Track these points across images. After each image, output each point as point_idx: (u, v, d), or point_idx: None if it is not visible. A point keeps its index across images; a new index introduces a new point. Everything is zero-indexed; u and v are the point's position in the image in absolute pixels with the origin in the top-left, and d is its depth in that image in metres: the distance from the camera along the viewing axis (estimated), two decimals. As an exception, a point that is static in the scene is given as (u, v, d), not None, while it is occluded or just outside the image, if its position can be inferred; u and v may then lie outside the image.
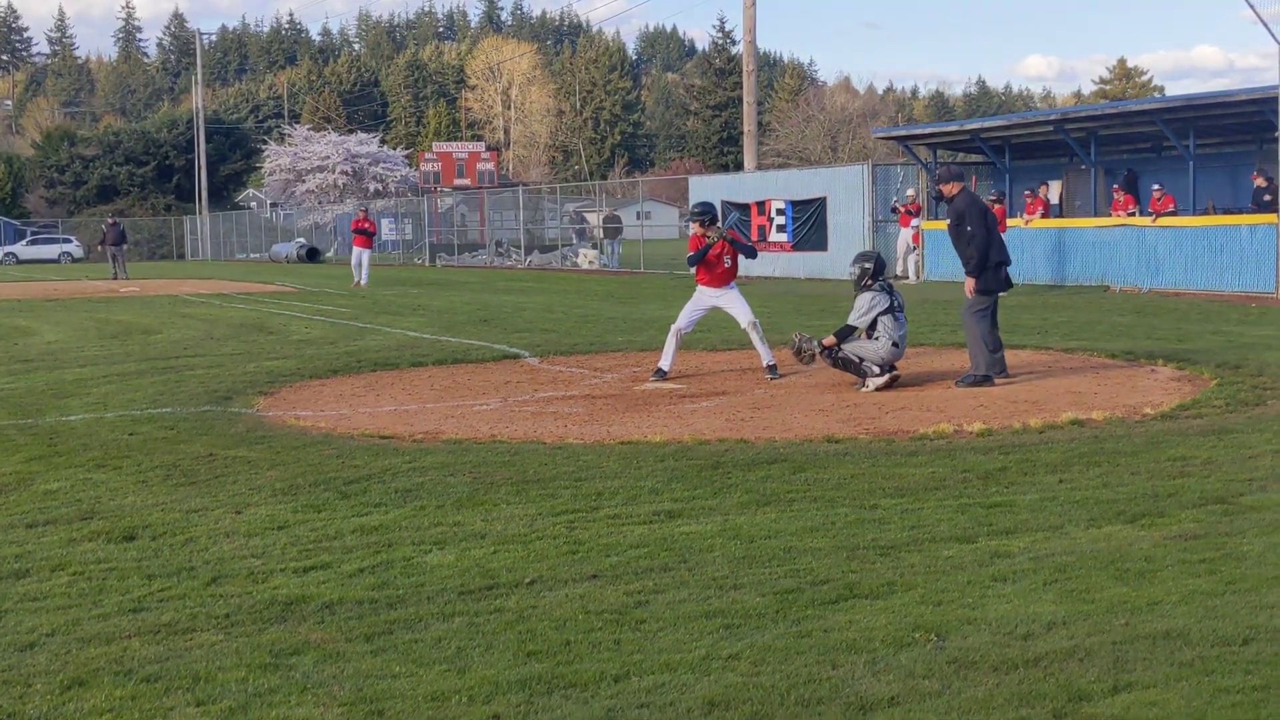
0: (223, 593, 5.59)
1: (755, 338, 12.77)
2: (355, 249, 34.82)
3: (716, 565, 5.82)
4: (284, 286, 35.63)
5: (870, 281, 11.99)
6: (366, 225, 34.46)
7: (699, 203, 13.31)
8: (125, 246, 45.64)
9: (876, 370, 11.66)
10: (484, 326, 19.59)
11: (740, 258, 13.10)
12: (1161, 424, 9.39)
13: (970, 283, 11.91)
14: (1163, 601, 5.16)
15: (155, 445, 9.25)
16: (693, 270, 13.08)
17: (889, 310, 11.81)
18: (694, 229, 12.92)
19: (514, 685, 4.40)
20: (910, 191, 30.99)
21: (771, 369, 12.68)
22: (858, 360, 11.72)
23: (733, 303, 12.87)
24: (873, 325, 11.85)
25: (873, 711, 4.11)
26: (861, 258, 12.30)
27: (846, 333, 12.01)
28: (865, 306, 11.91)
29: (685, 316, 13.01)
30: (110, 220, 46.00)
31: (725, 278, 12.90)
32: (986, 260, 11.87)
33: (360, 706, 4.26)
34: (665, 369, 12.77)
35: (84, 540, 6.57)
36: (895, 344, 11.70)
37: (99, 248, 46.83)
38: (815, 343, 12.25)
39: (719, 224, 12.99)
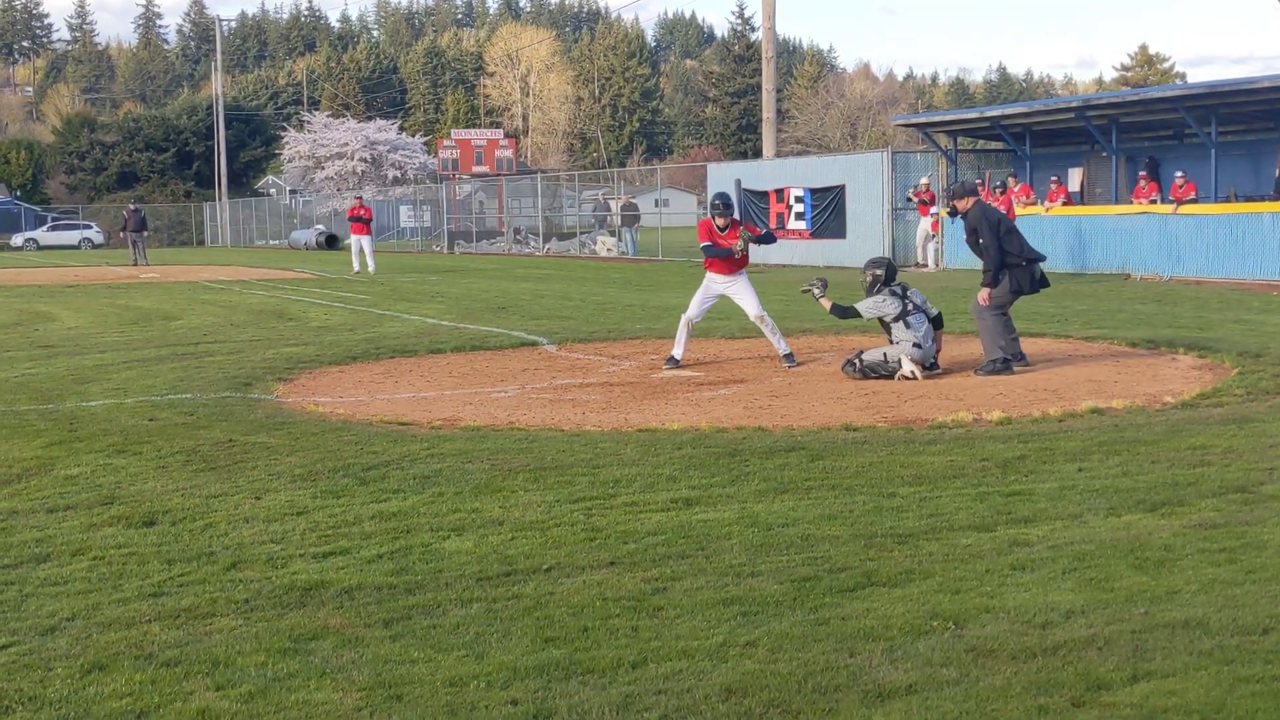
0: (242, 578, 5.61)
1: (766, 330, 12.74)
2: (354, 237, 34.95)
3: (734, 553, 5.81)
4: (303, 273, 35.72)
5: (881, 288, 11.99)
6: (362, 212, 34.62)
7: (718, 194, 13.24)
8: (146, 233, 45.88)
9: (903, 363, 11.63)
10: (502, 313, 19.60)
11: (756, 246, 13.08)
12: (1182, 412, 9.35)
13: (985, 295, 11.95)
14: (1182, 590, 5.14)
15: (175, 431, 9.29)
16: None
17: (900, 316, 11.76)
18: (717, 221, 12.80)
19: (532, 671, 4.41)
20: (923, 180, 30.84)
21: (789, 357, 12.66)
22: (884, 359, 11.67)
23: (741, 293, 12.81)
24: (889, 330, 11.86)
25: (890, 699, 4.11)
26: (872, 264, 12.33)
27: (846, 311, 12.22)
28: (871, 304, 12.00)
29: (695, 306, 12.98)
30: (132, 207, 46.17)
31: (736, 266, 12.85)
32: (1002, 266, 11.93)
33: (379, 691, 4.27)
34: (678, 357, 12.76)
35: (104, 525, 6.60)
36: (917, 344, 11.65)
37: (120, 234, 47.03)
38: (818, 286, 12.41)
39: (733, 210, 12.93)
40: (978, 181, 29.83)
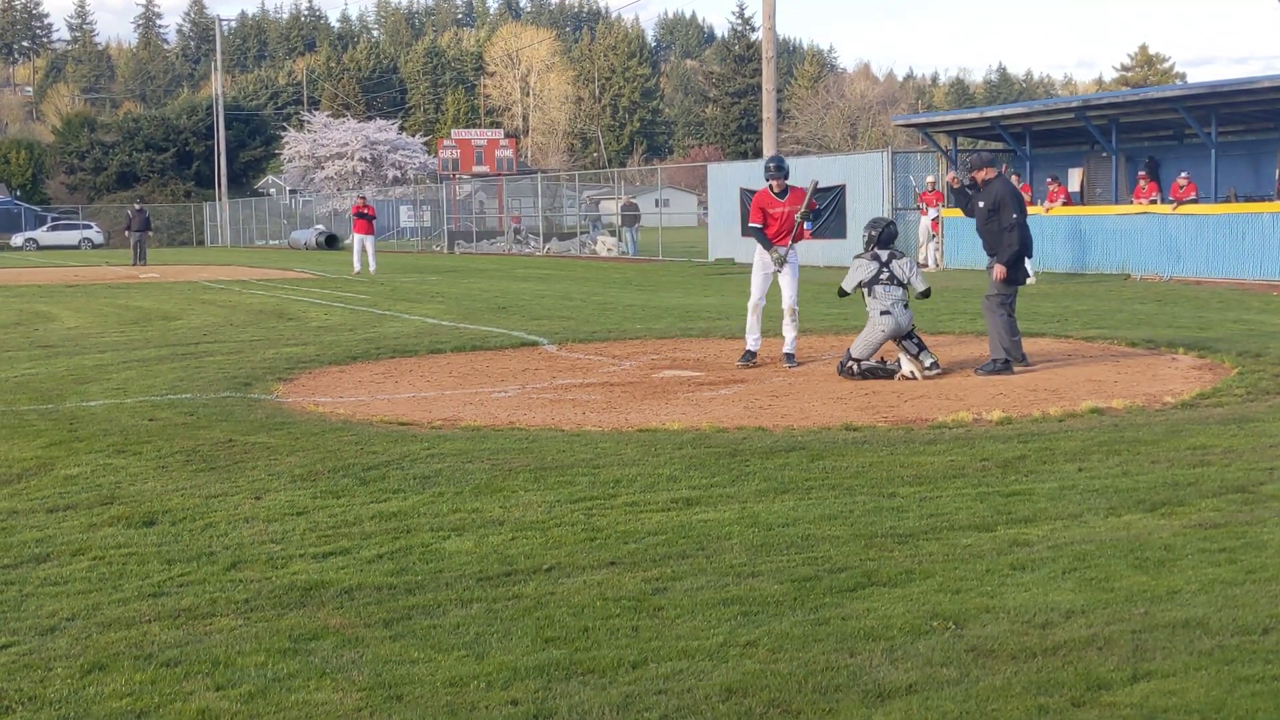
0: (242, 578, 5.61)
1: (788, 321, 12.70)
2: (357, 236, 34.81)
3: (734, 553, 5.81)
4: (303, 273, 35.72)
5: (875, 248, 11.98)
6: (366, 210, 34.48)
7: (771, 157, 13.05)
8: (149, 233, 46.18)
9: (902, 363, 11.62)
10: (502, 313, 19.60)
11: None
12: (1182, 412, 9.35)
13: (1001, 270, 11.82)
14: (1182, 590, 5.14)
15: (175, 431, 9.29)
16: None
17: (874, 280, 11.77)
18: (774, 187, 12.71)
19: (532, 671, 4.41)
20: (929, 179, 30.89)
21: (789, 357, 12.65)
22: (881, 364, 11.66)
23: (786, 274, 12.74)
24: (865, 301, 11.85)
25: (890, 699, 4.11)
26: (870, 224, 12.36)
27: (841, 293, 12.36)
28: (850, 272, 12.06)
29: (757, 289, 12.84)
30: (136, 207, 46.52)
31: (791, 235, 12.75)
32: (1024, 249, 11.82)
33: (379, 691, 4.27)
34: (753, 350, 12.70)
35: (104, 525, 6.60)
36: (885, 311, 11.62)
37: (124, 233, 47.31)
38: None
39: (787, 173, 12.84)
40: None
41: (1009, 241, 11.81)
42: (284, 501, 7.03)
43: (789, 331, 12.70)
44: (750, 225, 12.87)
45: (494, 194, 61.02)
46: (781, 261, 12.67)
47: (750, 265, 13.31)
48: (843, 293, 12.30)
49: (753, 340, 12.82)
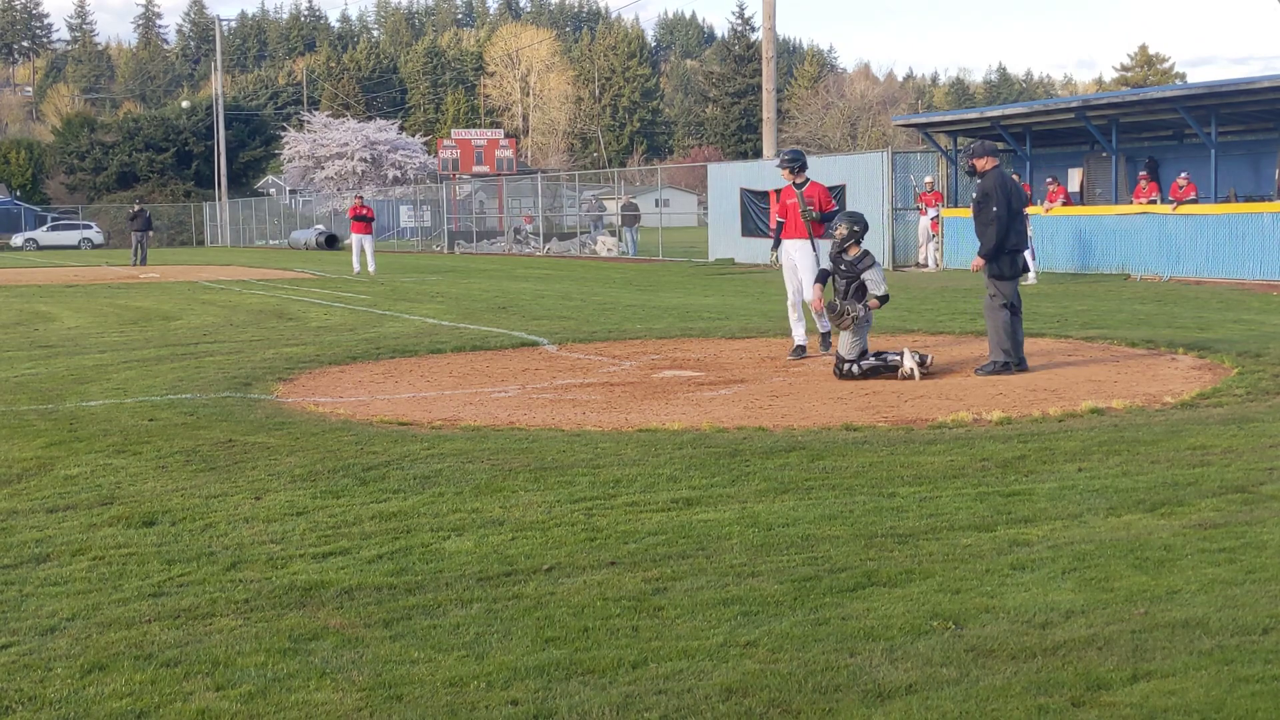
0: (242, 578, 5.61)
1: (801, 315, 12.79)
2: (355, 236, 34.76)
3: (734, 553, 5.81)
4: (303, 273, 35.72)
5: (858, 247, 11.89)
6: (364, 211, 34.44)
7: (789, 149, 13.23)
8: (150, 233, 46.39)
9: (900, 358, 11.61)
10: (502, 313, 19.59)
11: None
12: (1181, 413, 9.35)
13: (977, 262, 11.85)
14: (1182, 590, 5.14)
15: (175, 431, 9.29)
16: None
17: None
18: (795, 180, 12.86)
19: (532, 671, 4.41)
20: (928, 179, 30.89)
21: (799, 350, 12.73)
22: (881, 360, 11.65)
23: (804, 268, 12.84)
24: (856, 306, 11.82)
25: (890, 699, 4.11)
26: (852, 220, 12.07)
27: (882, 300, 11.91)
28: (881, 277, 11.93)
29: (791, 288, 13.09)
30: (137, 207, 46.78)
31: (804, 231, 12.82)
32: (1004, 245, 11.77)
33: (379, 691, 4.27)
34: (803, 344, 12.80)
35: (104, 525, 6.60)
36: (857, 335, 11.78)
37: (130, 234, 47.51)
38: (860, 307, 11.78)
39: (800, 166, 12.95)
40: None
41: (988, 235, 11.76)
42: (284, 501, 7.03)
43: (799, 325, 12.83)
44: (779, 223, 13.10)
45: (494, 194, 61.03)
46: (775, 260, 12.87)
47: (751, 265, 13.47)
48: (885, 299, 11.96)
49: (799, 335, 13.03)
